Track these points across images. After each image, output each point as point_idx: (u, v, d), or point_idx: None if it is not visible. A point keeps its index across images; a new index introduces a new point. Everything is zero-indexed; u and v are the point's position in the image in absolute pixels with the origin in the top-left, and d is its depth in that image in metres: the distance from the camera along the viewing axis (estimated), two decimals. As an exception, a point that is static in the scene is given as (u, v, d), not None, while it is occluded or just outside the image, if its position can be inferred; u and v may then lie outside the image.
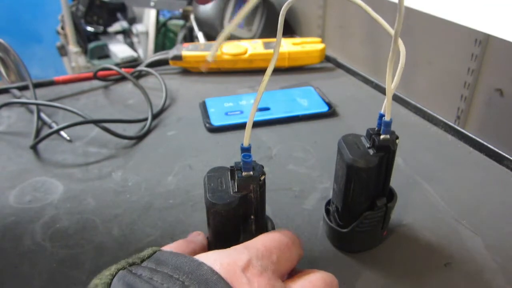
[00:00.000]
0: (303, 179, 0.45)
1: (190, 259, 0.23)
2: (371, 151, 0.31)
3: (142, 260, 0.24)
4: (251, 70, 0.70)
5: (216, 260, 0.23)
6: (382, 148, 0.31)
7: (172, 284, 0.21)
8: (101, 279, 0.22)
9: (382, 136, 0.30)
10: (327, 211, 0.37)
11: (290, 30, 1.00)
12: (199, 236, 0.31)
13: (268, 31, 0.93)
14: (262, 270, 0.24)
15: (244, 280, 0.22)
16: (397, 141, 0.31)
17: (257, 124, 0.54)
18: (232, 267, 0.23)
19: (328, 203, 0.37)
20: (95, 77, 0.66)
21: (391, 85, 0.29)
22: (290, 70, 0.71)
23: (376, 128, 0.31)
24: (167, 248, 0.27)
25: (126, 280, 0.22)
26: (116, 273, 0.22)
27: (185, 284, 0.21)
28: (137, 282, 0.21)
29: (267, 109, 0.57)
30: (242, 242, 0.26)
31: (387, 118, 0.30)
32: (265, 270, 0.24)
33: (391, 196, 0.34)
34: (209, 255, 0.24)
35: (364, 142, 0.32)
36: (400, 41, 0.29)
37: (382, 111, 0.31)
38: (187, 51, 0.69)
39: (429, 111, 0.56)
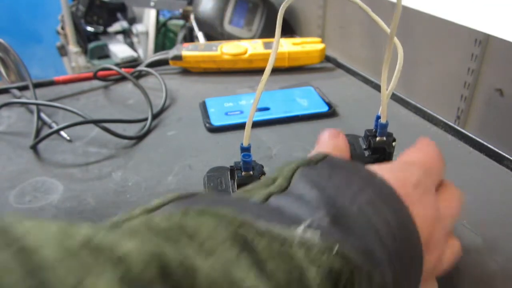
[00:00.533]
0: (303, 179, 0.45)
1: (362, 166, 0.24)
2: (366, 153, 0.31)
3: (317, 162, 0.24)
4: (251, 70, 0.70)
5: (390, 172, 0.24)
6: (378, 150, 0.31)
7: (350, 185, 0.22)
8: (281, 172, 0.23)
9: (377, 138, 0.30)
10: None
11: (290, 30, 1.00)
12: (342, 143, 0.31)
13: (268, 31, 0.93)
14: (429, 188, 0.25)
15: (415, 198, 0.23)
16: (394, 143, 0.31)
17: (257, 124, 0.54)
18: (405, 183, 0.23)
19: None
20: (95, 77, 0.66)
21: (386, 87, 0.29)
22: (290, 70, 0.71)
23: (374, 130, 0.31)
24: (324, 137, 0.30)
25: (308, 175, 0.22)
26: (296, 169, 0.23)
27: (362, 187, 0.22)
28: (319, 178, 0.22)
29: (267, 109, 0.57)
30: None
31: (382, 120, 0.30)
32: (430, 187, 0.25)
33: None
34: (382, 166, 0.25)
35: (361, 143, 0.32)
36: (398, 44, 0.29)
37: (379, 113, 0.31)
38: (187, 51, 0.69)
39: (429, 111, 0.56)
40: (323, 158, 0.24)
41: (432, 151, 0.28)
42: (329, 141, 0.30)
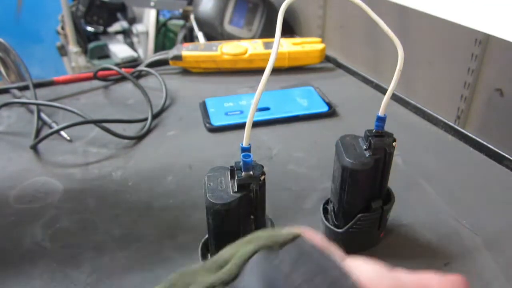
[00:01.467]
0: (303, 179, 0.45)
1: (336, 263, 0.19)
2: (367, 153, 0.31)
3: (281, 246, 0.19)
4: (251, 70, 0.70)
5: (383, 283, 0.19)
6: (378, 150, 0.31)
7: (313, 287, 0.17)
8: (234, 255, 0.19)
9: (377, 139, 0.30)
10: (325, 210, 0.37)
11: (290, 30, 1.00)
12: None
13: (268, 31, 0.93)
14: None
15: None
16: (394, 144, 0.31)
17: (257, 124, 0.54)
18: None
19: (327, 202, 0.37)
20: (95, 77, 0.66)
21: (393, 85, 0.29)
22: (290, 70, 0.71)
23: (374, 130, 0.31)
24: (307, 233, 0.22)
25: (263, 269, 0.18)
26: (253, 254, 0.19)
27: None
28: (276, 277, 0.18)
29: (267, 109, 0.57)
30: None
31: (381, 113, 0.30)
32: None
33: (388, 197, 0.34)
34: (371, 269, 0.19)
35: (361, 144, 0.32)
36: (398, 44, 0.29)
37: (379, 113, 0.31)
38: (187, 51, 0.69)
39: (429, 111, 0.56)
40: (291, 241, 0.19)
41: (457, 285, 0.21)
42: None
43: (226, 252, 0.19)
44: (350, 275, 0.18)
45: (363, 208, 0.33)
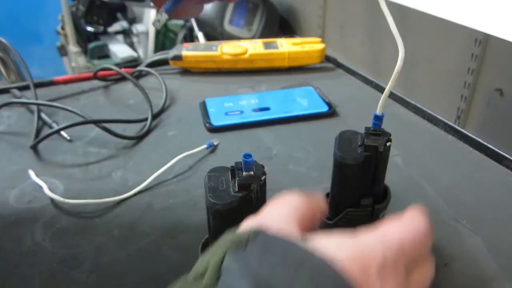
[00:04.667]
0: (303, 179, 0.45)
1: (298, 245, 0.20)
2: (359, 150, 0.31)
3: (247, 242, 0.21)
4: (251, 70, 0.70)
5: (346, 252, 0.20)
6: (370, 148, 0.31)
7: (285, 271, 0.19)
8: (209, 261, 0.20)
9: (371, 136, 0.31)
10: None
11: (290, 30, 1.00)
12: (320, 200, 0.26)
13: (268, 31, 0.93)
14: (398, 270, 0.21)
15: (377, 283, 0.20)
16: (388, 143, 0.31)
17: (257, 124, 0.54)
18: (366, 265, 0.20)
19: (327, 195, 0.37)
20: (95, 77, 0.66)
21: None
22: (290, 70, 0.71)
23: (371, 128, 0.31)
24: (287, 198, 0.24)
25: (238, 262, 0.20)
26: (224, 256, 0.20)
27: (297, 272, 0.19)
28: (248, 264, 0.19)
29: (267, 109, 0.57)
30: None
31: (378, 112, 0.30)
32: (400, 269, 0.21)
33: (385, 197, 0.34)
34: (333, 242, 0.21)
35: (358, 140, 0.32)
36: (401, 45, 0.29)
37: (376, 112, 0.31)
38: (187, 51, 0.69)
39: (429, 111, 0.56)
40: (255, 237, 0.21)
41: (416, 224, 0.23)
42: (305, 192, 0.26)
43: (203, 260, 0.21)
44: (315, 253, 0.19)
45: (352, 203, 0.33)
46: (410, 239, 0.22)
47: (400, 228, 0.23)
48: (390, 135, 0.31)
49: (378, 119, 0.31)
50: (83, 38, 1.52)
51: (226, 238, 0.21)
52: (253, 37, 0.91)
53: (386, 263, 0.20)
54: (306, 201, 0.25)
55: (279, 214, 0.24)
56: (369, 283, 0.19)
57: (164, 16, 0.29)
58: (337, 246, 0.20)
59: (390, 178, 0.34)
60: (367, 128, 0.32)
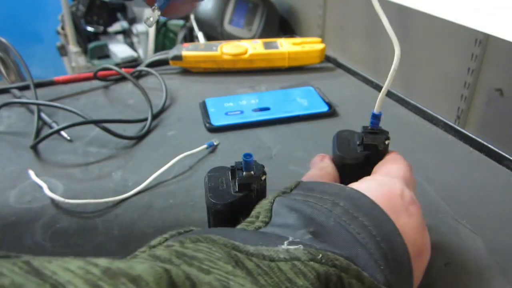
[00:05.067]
0: (303, 179, 0.45)
1: (333, 184, 0.26)
2: (358, 149, 0.31)
3: (291, 190, 0.26)
4: (251, 70, 0.70)
5: (377, 187, 0.26)
6: (369, 147, 0.31)
7: (323, 203, 0.24)
8: (261, 207, 0.25)
9: (370, 135, 0.31)
10: None
11: (290, 30, 1.00)
12: (326, 163, 0.32)
13: (268, 31, 0.93)
14: (412, 197, 0.26)
15: (403, 208, 0.25)
16: (387, 142, 0.31)
17: (257, 124, 0.54)
18: (392, 196, 0.25)
19: None
20: (95, 77, 0.66)
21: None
22: (290, 70, 0.71)
23: (369, 127, 0.31)
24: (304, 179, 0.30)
25: (285, 203, 0.24)
26: (274, 200, 0.25)
27: (335, 201, 0.24)
28: (295, 203, 0.24)
29: (267, 109, 0.57)
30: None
31: (376, 110, 0.31)
32: (412, 196, 0.27)
33: None
34: (367, 182, 0.27)
35: (356, 139, 0.32)
36: (396, 44, 0.29)
37: (374, 110, 0.31)
38: (187, 51, 0.69)
39: (429, 111, 0.56)
40: (297, 185, 0.27)
41: (405, 164, 0.30)
42: (315, 165, 0.33)
43: (254, 211, 0.25)
44: (345, 187, 0.25)
45: None
46: (408, 174, 0.29)
47: (397, 166, 0.29)
48: (388, 133, 0.31)
49: (376, 117, 0.31)
50: (83, 38, 1.53)
51: (273, 193, 0.26)
52: (253, 37, 0.91)
53: (402, 191, 0.26)
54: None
55: (311, 176, 0.31)
56: (396, 207, 0.25)
57: (157, 13, 0.29)
58: (364, 185, 0.26)
59: (390, 178, 0.34)
60: (364, 127, 0.32)
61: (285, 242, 0.21)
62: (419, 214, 0.26)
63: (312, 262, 0.20)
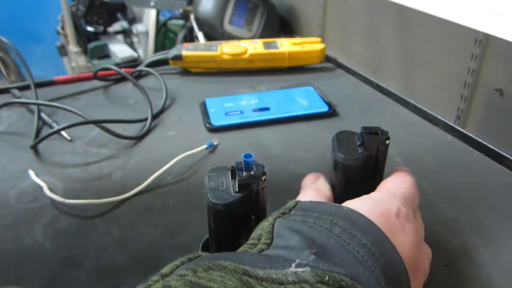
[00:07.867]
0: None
1: (330, 204, 0.26)
2: (359, 150, 0.31)
3: (290, 210, 0.27)
4: (251, 70, 0.70)
5: (374, 206, 0.26)
6: (371, 147, 0.31)
7: (323, 223, 0.24)
8: (262, 229, 0.25)
9: (370, 135, 0.31)
10: None
11: (290, 30, 1.00)
12: (322, 184, 0.33)
13: (268, 31, 0.93)
14: (408, 215, 0.27)
15: (398, 227, 0.26)
16: (387, 141, 0.31)
17: (257, 124, 0.54)
18: (388, 214, 0.26)
19: None
20: (95, 77, 0.66)
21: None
22: (290, 70, 0.71)
23: (369, 127, 0.31)
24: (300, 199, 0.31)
25: (286, 224, 0.25)
26: (274, 221, 0.25)
27: (333, 221, 0.24)
28: (295, 224, 0.24)
29: (267, 109, 0.57)
30: (242, 242, 0.26)
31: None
32: (409, 215, 0.27)
33: None
34: (356, 202, 0.27)
35: (356, 140, 0.32)
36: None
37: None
38: (187, 51, 0.69)
39: (429, 111, 0.56)
40: (295, 205, 0.27)
41: (408, 181, 0.30)
42: (310, 185, 0.33)
43: (255, 233, 0.25)
44: (342, 206, 0.26)
45: None
46: (408, 191, 0.29)
47: (399, 184, 0.30)
48: (388, 133, 0.31)
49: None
50: (83, 38, 1.52)
51: (272, 214, 0.26)
52: (253, 37, 0.91)
53: (399, 210, 0.27)
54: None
55: (308, 197, 0.31)
56: (391, 225, 0.25)
57: None
58: (360, 204, 0.26)
59: (390, 178, 0.34)
60: (364, 127, 0.32)
61: (293, 264, 0.21)
62: (415, 231, 0.27)
63: (319, 284, 0.20)
